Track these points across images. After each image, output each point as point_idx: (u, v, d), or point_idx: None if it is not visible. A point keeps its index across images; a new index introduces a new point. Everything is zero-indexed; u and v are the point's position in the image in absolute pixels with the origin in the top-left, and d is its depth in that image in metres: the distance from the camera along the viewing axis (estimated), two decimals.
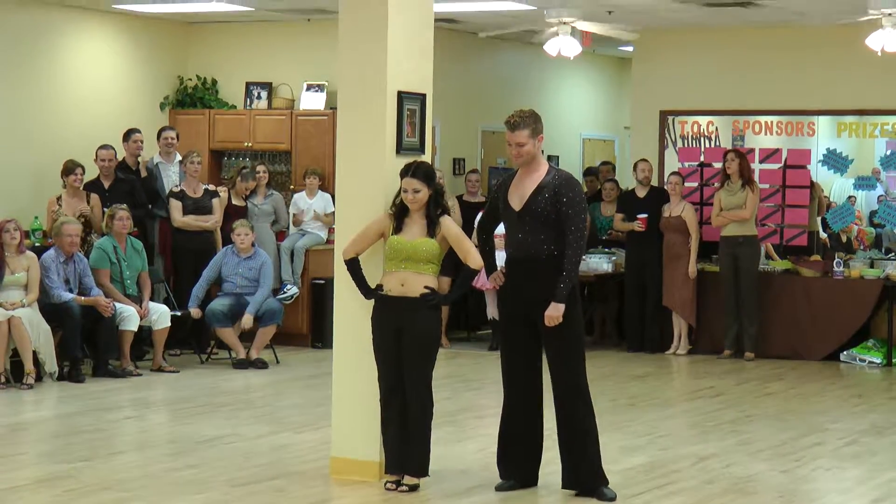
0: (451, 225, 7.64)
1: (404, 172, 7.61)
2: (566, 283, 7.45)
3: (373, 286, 7.66)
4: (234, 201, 13.98)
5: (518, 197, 7.61)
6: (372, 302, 7.67)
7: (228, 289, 12.88)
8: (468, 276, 7.73)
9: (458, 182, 15.98)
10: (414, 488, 7.61)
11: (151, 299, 12.74)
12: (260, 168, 14.41)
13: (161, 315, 12.48)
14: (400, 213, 7.63)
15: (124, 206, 12.64)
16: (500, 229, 7.92)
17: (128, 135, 13.79)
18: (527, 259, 7.57)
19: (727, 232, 13.85)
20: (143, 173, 13.74)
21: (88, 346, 12.09)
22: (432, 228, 7.58)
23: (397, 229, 7.61)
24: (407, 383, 7.57)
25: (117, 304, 12.14)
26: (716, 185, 14.45)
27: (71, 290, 11.94)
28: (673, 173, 14.45)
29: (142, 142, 13.79)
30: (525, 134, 7.60)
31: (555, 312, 7.45)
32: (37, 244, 12.80)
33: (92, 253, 12.47)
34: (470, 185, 15.28)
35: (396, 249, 7.57)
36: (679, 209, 14.06)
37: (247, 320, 12.74)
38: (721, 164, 14.28)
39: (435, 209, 7.59)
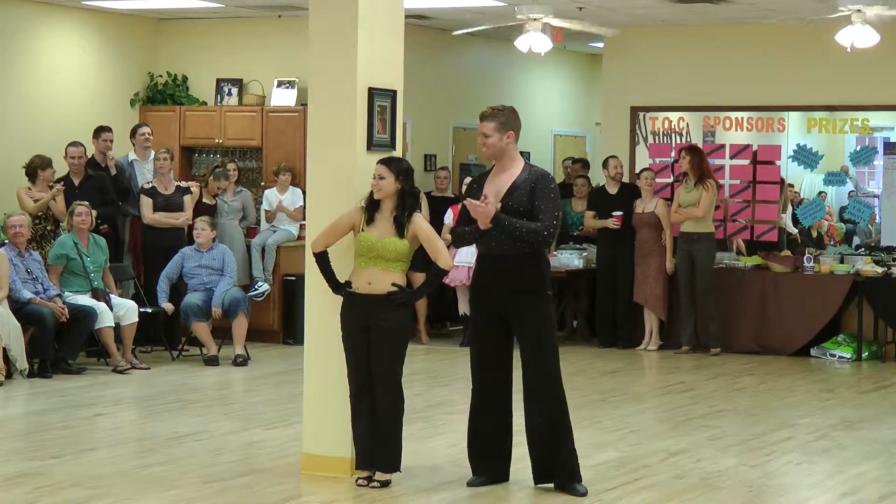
0: (422, 223, 7.63)
1: (379, 160, 7.63)
2: (516, 224, 7.39)
3: (342, 281, 7.66)
4: (205, 199, 13.94)
5: (493, 193, 7.61)
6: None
7: (195, 285, 12.85)
8: (437, 275, 7.71)
9: (428, 178, 15.98)
10: (385, 484, 7.62)
11: (122, 296, 12.68)
12: (230, 166, 14.39)
13: (128, 311, 12.42)
14: (370, 206, 7.64)
15: (85, 203, 12.55)
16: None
17: (98, 132, 13.72)
18: (500, 255, 7.57)
19: (684, 228, 13.82)
20: (114, 171, 13.68)
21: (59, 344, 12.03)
22: (401, 230, 7.58)
23: (368, 221, 7.61)
24: (376, 380, 7.57)
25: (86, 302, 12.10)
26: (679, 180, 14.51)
27: (35, 280, 11.86)
28: (645, 169, 14.46)
29: (112, 140, 13.73)
30: (491, 126, 7.61)
31: (486, 211, 7.39)
32: (6, 241, 12.73)
33: (52, 249, 12.43)
34: (439, 182, 15.37)
35: (366, 246, 7.57)
36: (652, 205, 14.07)
37: (215, 313, 12.75)
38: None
39: (403, 210, 7.59)
